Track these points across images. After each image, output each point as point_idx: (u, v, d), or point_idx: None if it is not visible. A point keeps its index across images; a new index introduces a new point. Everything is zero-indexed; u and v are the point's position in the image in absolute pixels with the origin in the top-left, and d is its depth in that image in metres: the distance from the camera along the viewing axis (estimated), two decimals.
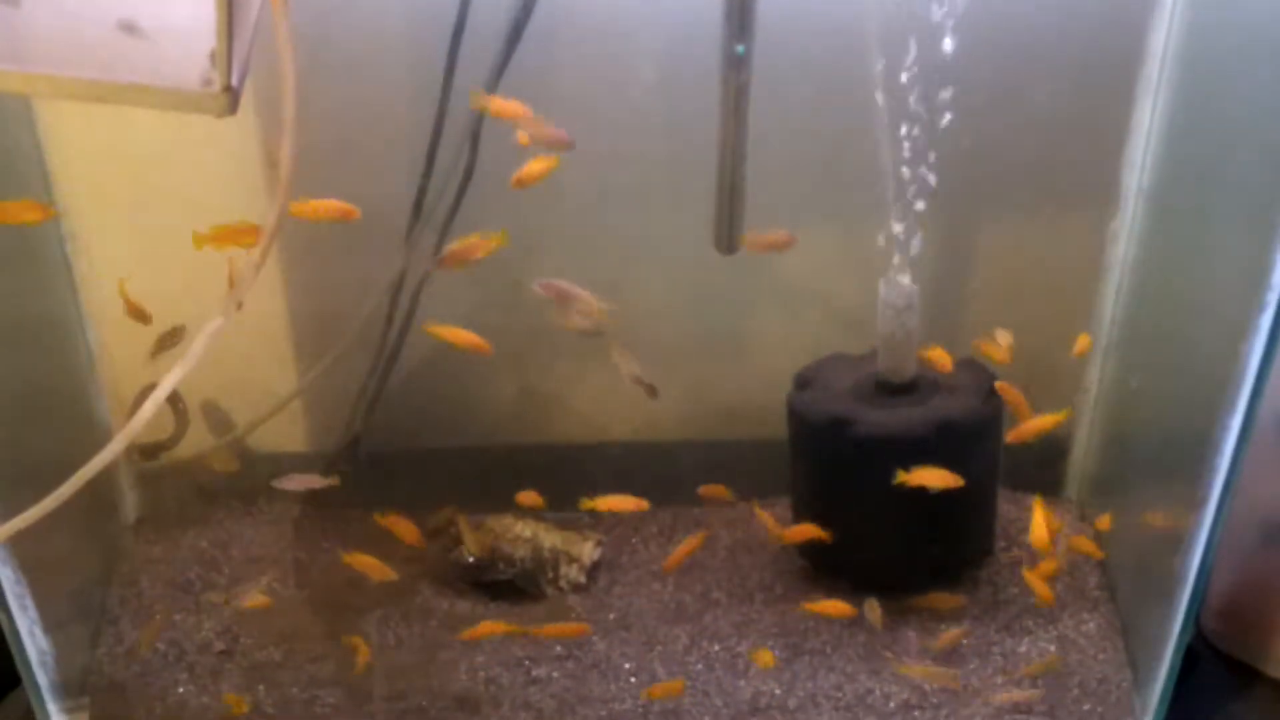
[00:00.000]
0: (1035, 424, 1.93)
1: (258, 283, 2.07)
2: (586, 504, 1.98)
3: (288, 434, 2.33)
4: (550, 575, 2.17)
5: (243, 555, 2.26)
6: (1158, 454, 1.99)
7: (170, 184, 2.05)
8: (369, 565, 2.02)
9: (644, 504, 1.99)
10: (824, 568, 2.15)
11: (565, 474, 2.29)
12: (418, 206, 2.07)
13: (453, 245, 1.86)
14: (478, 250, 1.82)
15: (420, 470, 2.32)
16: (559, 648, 2.09)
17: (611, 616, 2.14)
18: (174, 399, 2.23)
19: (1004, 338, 1.97)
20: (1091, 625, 2.11)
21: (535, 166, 1.79)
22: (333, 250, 2.12)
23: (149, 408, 1.52)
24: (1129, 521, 2.16)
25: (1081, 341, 2.06)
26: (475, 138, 2.02)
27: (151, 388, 1.52)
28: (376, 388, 2.22)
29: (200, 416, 2.30)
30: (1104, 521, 2.17)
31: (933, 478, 1.87)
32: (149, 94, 1.37)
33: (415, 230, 2.05)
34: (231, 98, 1.38)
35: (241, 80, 1.39)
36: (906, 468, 1.96)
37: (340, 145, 1.94)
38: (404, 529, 2.04)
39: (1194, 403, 1.83)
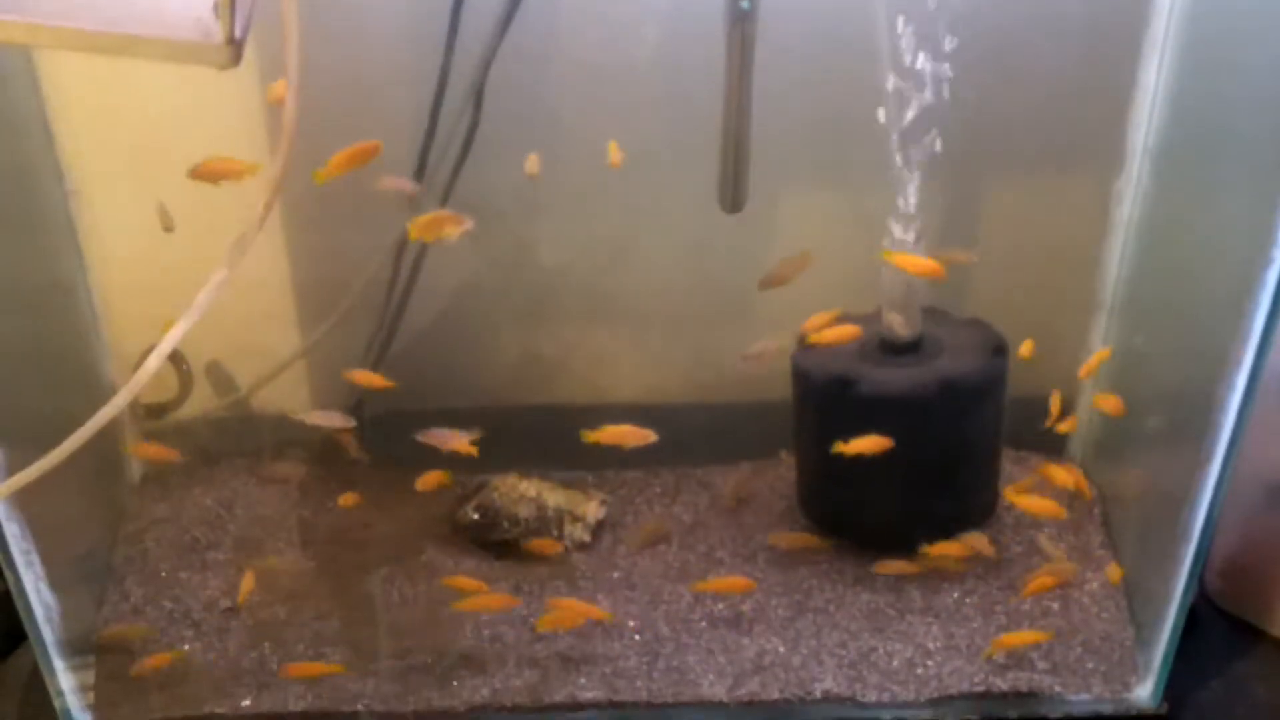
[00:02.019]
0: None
1: (260, 247, 2.13)
2: (839, 447, 1.91)
3: (292, 396, 2.31)
4: (555, 534, 2.17)
5: (247, 514, 2.27)
6: (1162, 414, 1.98)
7: (174, 142, 2.01)
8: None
9: (888, 441, 1.92)
10: (828, 527, 2.15)
11: (569, 435, 2.23)
12: (421, 168, 2.04)
13: None
14: None
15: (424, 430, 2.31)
16: None
17: (615, 575, 2.14)
18: (178, 361, 2.22)
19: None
20: (1095, 584, 2.08)
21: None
22: (335, 214, 2.10)
23: (153, 361, 1.52)
24: (1133, 481, 2.16)
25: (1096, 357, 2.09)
26: (479, 97, 2.01)
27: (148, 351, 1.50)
28: (380, 349, 2.21)
29: (204, 378, 2.29)
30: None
31: None
32: (151, 45, 1.36)
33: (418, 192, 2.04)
34: (234, 50, 1.37)
35: (245, 32, 1.38)
36: (909, 427, 1.98)
37: (341, 105, 1.87)
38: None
39: (1199, 362, 1.81)
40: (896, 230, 1.93)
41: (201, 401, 2.24)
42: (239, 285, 1.91)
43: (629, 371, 2.30)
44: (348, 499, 2.11)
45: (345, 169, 1.72)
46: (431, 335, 2.23)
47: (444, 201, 2.07)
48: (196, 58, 1.38)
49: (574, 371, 2.35)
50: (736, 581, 2.07)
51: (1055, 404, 2.00)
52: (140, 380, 1.52)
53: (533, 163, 1.90)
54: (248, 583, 2.09)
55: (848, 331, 1.95)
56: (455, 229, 1.81)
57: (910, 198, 1.92)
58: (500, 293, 2.23)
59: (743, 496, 2.28)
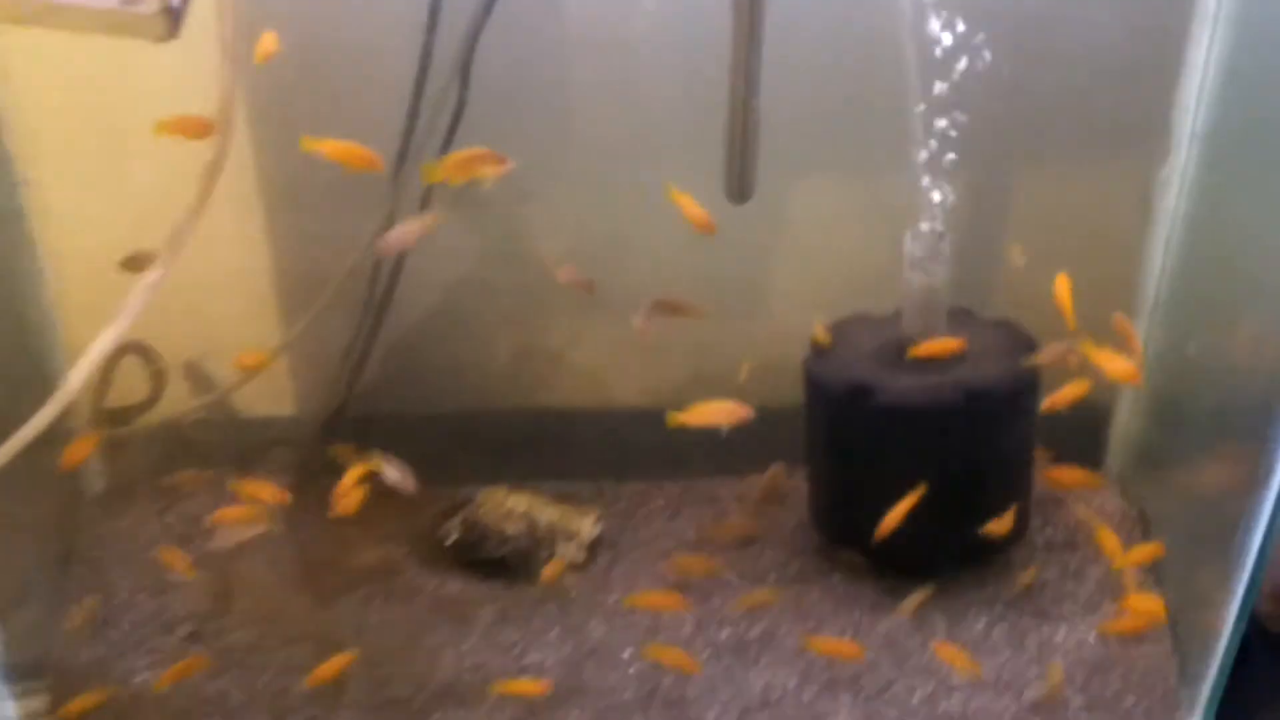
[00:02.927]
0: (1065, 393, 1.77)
1: (239, 238, 2.04)
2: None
3: (275, 397, 2.22)
4: (546, 554, 2.04)
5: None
6: (1213, 423, 1.84)
7: (127, 126, 1.84)
8: None
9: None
10: (843, 546, 2.02)
11: (565, 442, 2.21)
12: (404, 149, 1.91)
13: None
14: None
15: (410, 437, 2.07)
16: (554, 632, 1.95)
17: (612, 599, 2.00)
18: (151, 357, 2.06)
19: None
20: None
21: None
22: (317, 200, 1.99)
23: (83, 367, 1.37)
24: (1179, 498, 2.00)
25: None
26: (465, 71, 1.86)
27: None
28: (363, 348, 2.10)
29: (181, 377, 2.16)
30: None
31: None
32: (79, 14, 1.24)
33: (401, 173, 1.91)
34: (169, 19, 1.23)
35: (183, 1, 1.25)
36: (933, 440, 1.85)
37: (320, 82, 1.85)
38: None
39: (1255, 366, 1.69)
40: (920, 221, 1.84)
41: (175, 404, 2.12)
42: (217, 281, 1.94)
43: (631, 372, 2.19)
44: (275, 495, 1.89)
45: (337, 159, 1.55)
46: (418, 332, 2.14)
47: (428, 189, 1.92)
48: (129, 28, 1.25)
49: (572, 372, 2.22)
50: (846, 646, 1.89)
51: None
52: (69, 392, 1.37)
53: (487, 166, 1.62)
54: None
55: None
56: (492, 170, 1.57)
57: (936, 187, 1.82)
58: (492, 287, 2.13)
59: (751, 513, 2.13)
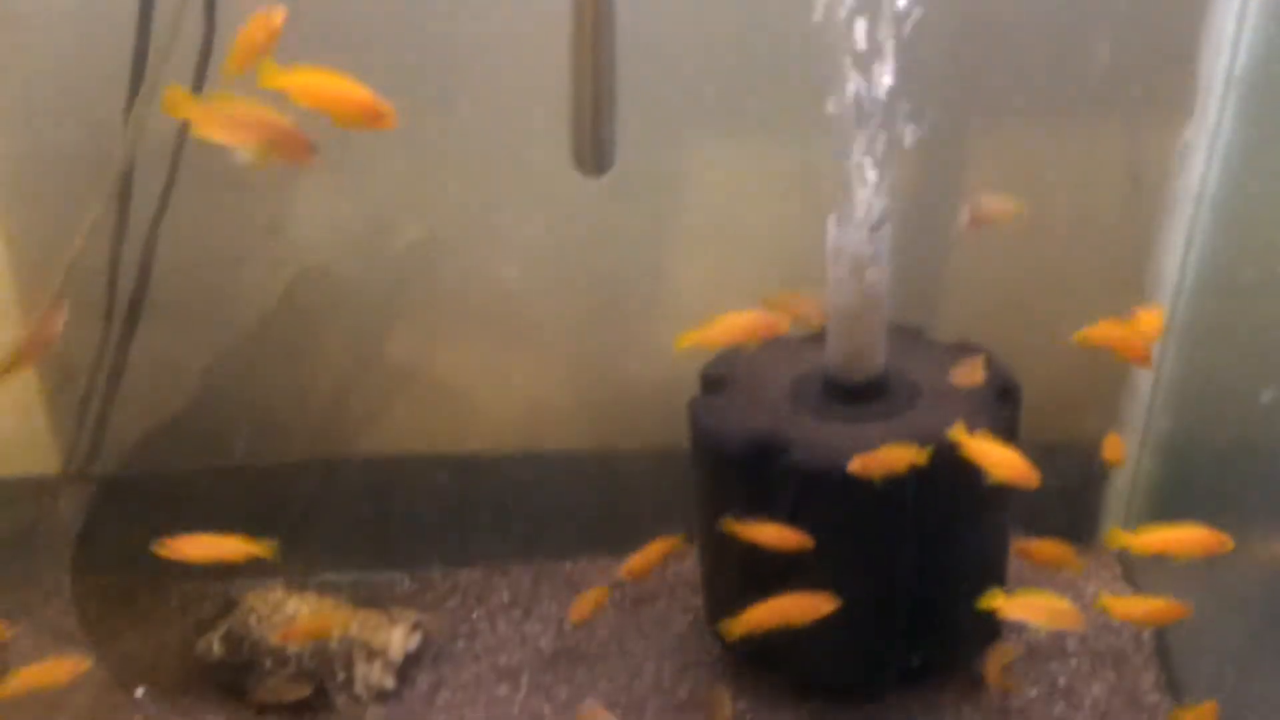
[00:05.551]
0: None
1: None
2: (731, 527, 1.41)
3: (32, 454, 1.88)
4: (341, 677, 1.67)
5: None
6: (1257, 486, 1.49)
7: None
8: None
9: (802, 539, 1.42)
10: (750, 658, 1.66)
11: (376, 511, 1.88)
12: (138, 68, 1.56)
13: None
14: None
15: (154, 502, 1.83)
16: None
17: None
18: None
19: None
20: None
21: None
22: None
23: None
24: (1206, 590, 1.59)
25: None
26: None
27: None
28: (109, 382, 1.76)
29: None
30: None
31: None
32: None
33: (135, 106, 1.56)
34: None
35: None
36: (871, 514, 1.44)
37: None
38: None
39: None
40: (850, 202, 1.47)
41: None
42: None
43: (470, 407, 1.87)
44: None
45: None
46: (181, 359, 1.80)
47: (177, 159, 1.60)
48: None
49: (391, 409, 1.88)
50: None
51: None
52: None
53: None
54: None
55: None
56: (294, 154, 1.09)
57: (867, 155, 1.46)
58: (288, 294, 1.80)
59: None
